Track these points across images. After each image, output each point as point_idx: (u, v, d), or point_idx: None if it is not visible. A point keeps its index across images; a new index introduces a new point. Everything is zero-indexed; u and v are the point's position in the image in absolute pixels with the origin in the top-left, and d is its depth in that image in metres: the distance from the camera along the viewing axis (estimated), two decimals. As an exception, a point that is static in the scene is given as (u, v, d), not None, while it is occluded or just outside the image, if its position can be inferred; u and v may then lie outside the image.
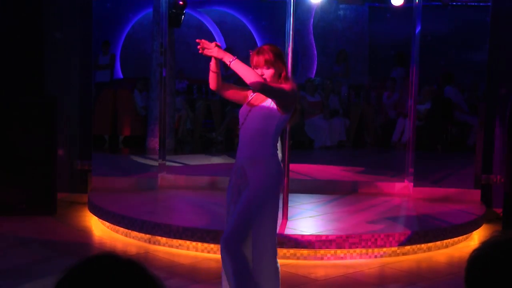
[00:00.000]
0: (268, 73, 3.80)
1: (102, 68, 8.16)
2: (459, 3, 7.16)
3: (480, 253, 1.42)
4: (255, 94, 3.90)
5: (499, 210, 6.92)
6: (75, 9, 7.33)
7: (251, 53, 3.88)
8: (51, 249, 5.75)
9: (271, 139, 3.83)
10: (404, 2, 8.21)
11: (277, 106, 3.76)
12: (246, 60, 3.82)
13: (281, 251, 5.07)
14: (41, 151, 6.78)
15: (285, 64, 3.91)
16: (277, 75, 3.85)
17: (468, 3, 7.13)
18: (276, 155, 3.88)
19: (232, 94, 4.02)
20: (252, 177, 3.80)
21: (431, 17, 7.11)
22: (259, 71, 3.80)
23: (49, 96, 6.92)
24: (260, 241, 3.76)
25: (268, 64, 3.79)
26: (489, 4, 6.89)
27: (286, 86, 3.80)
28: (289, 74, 3.93)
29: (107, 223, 6.33)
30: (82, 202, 7.06)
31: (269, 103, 3.80)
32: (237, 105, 4.11)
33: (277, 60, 3.82)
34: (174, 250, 5.73)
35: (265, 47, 3.86)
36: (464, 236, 6.24)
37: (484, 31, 6.95)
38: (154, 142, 7.36)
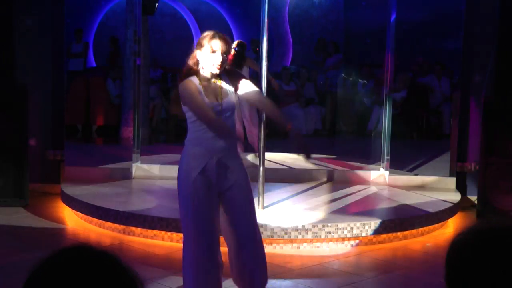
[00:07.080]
0: (229, 58, 3.94)
1: (75, 56, 8.05)
2: (434, -8, 7.18)
3: (463, 238, 1.43)
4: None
5: (473, 198, 6.99)
6: (46, -5, 7.24)
7: (209, 37, 3.82)
8: (23, 240, 5.70)
9: None
10: (379, -10, 8.20)
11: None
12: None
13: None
14: (12, 141, 6.69)
15: None
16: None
17: (443, -8, 7.16)
18: None
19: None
20: (236, 169, 3.88)
21: (406, 5, 7.12)
22: (220, 56, 3.79)
23: (20, 84, 6.81)
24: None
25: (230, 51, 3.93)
26: (463, -8, 6.93)
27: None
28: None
29: (81, 214, 6.28)
30: (55, 193, 6.98)
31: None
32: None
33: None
34: (149, 240, 5.71)
35: (221, 34, 3.89)
36: (439, 224, 6.28)
37: (459, 20, 6.98)
38: (128, 132, 7.30)
